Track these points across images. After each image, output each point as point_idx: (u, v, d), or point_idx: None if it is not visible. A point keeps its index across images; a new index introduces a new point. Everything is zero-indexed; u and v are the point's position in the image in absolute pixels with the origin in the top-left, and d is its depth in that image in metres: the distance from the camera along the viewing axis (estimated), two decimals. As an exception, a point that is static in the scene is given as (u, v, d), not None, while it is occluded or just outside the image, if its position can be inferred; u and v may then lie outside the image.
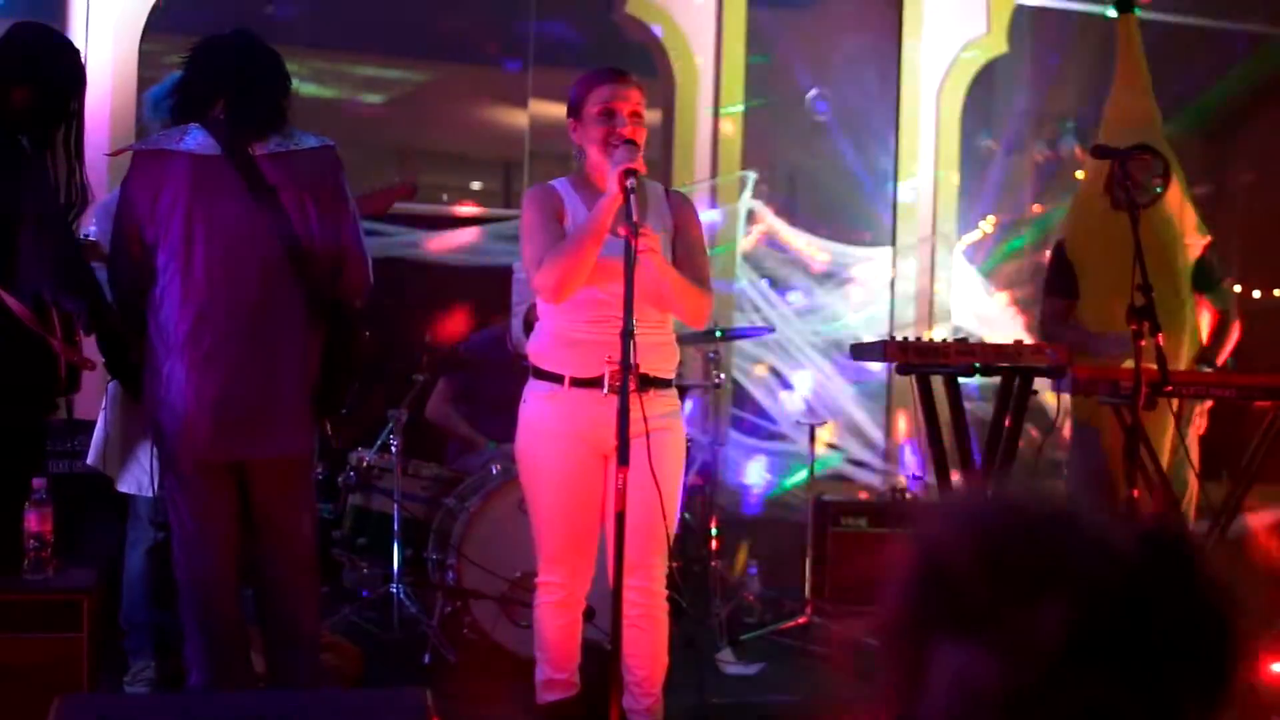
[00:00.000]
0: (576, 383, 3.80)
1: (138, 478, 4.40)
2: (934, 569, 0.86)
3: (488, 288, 7.40)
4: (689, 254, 3.91)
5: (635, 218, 3.54)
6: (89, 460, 4.57)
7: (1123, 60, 5.66)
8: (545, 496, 3.86)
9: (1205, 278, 5.35)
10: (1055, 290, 5.43)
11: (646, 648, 3.84)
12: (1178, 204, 5.32)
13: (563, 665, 3.90)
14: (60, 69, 4.03)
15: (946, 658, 0.82)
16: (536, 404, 3.87)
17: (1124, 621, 0.81)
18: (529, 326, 6.14)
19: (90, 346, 4.07)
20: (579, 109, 3.90)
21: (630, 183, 3.62)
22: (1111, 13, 5.73)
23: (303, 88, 4.05)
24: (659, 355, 3.82)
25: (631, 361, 3.43)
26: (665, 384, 3.87)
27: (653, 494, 3.61)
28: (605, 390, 3.74)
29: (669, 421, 3.84)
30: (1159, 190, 5.18)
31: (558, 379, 3.82)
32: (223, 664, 3.83)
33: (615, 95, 3.84)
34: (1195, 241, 5.35)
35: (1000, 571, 0.82)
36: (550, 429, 3.84)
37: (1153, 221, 5.00)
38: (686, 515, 5.82)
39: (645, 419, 3.53)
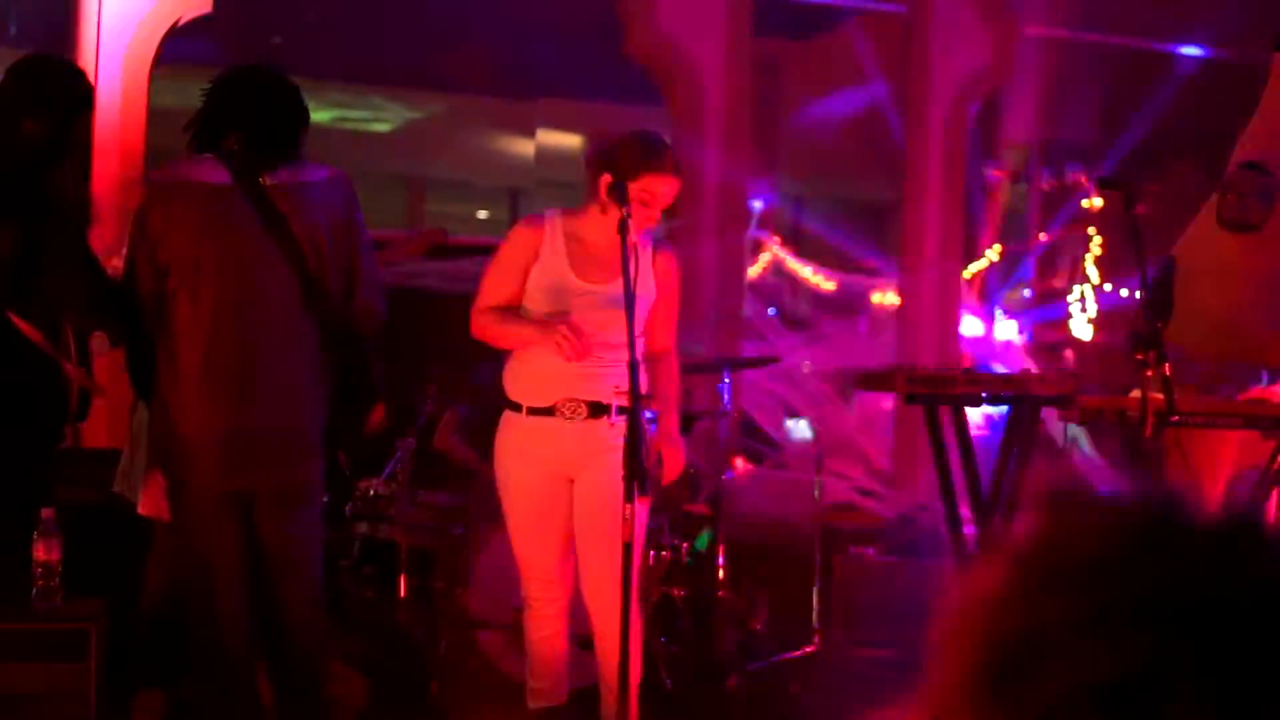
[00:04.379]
0: (533, 411, 4.00)
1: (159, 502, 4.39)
2: None
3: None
4: (662, 321, 4.09)
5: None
6: (115, 487, 4.54)
7: (1268, 96, 5.68)
8: (512, 516, 4.12)
9: None
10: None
11: (610, 640, 3.89)
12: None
13: (541, 675, 4.10)
14: (69, 98, 4.05)
15: None
16: (504, 431, 4.12)
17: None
18: None
19: (100, 371, 4.08)
20: (625, 178, 3.90)
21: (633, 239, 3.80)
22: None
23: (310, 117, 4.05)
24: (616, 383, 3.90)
25: (639, 392, 3.54)
26: (624, 411, 3.86)
27: (605, 511, 3.82)
28: (558, 418, 3.93)
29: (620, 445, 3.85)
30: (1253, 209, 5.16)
31: (517, 407, 4.05)
32: (229, 695, 3.83)
33: (657, 188, 3.95)
34: None
35: None
36: (513, 454, 4.09)
37: (1266, 244, 5.02)
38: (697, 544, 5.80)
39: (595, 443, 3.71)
